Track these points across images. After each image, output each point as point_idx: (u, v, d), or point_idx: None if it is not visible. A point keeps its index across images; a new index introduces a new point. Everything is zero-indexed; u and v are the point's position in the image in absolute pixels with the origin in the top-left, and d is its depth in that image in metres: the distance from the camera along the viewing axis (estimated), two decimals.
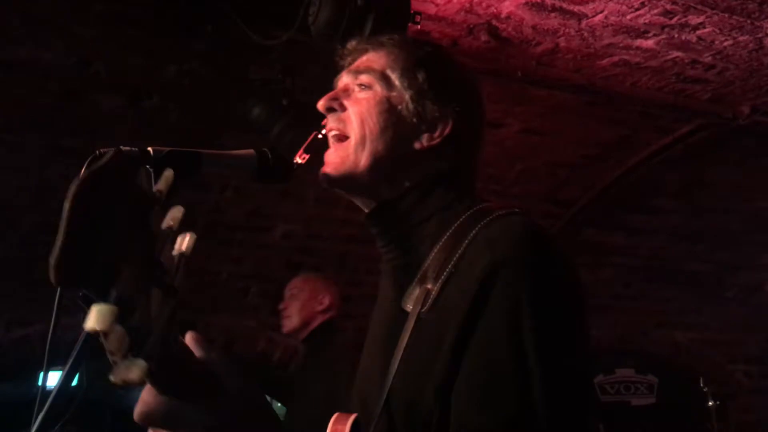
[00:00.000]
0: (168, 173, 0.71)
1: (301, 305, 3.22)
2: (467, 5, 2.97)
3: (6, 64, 3.07)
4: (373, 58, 1.15)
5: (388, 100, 1.10)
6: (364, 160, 1.09)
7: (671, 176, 4.83)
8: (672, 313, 5.70)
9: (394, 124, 1.09)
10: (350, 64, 1.18)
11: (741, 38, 3.23)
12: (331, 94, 1.15)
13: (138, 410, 0.75)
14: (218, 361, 0.80)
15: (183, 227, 0.67)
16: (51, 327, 1.02)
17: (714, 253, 5.49)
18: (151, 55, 3.18)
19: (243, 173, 1.20)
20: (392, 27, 2.44)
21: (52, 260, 0.61)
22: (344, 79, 1.17)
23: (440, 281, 0.97)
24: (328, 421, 0.98)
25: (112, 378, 0.62)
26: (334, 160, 1.11)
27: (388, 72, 1.12)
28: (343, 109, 1.13)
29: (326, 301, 3.22)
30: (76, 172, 0.72)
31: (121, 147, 1.09)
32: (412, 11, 2.59)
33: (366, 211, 1.14)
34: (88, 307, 0.60)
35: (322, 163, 1.15)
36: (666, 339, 5.72)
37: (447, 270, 0.97)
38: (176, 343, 0.71)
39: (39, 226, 3.58)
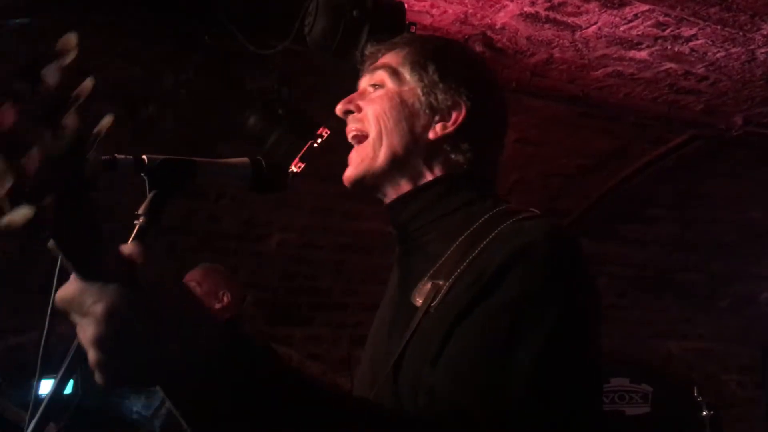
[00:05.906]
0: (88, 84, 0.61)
1: None
2: (462, 16, 2.99)
3: None
4: (387, 57, 1.20)
5: (400, 94, 1.14)
6: (382, 154, 1.13)
7: (665, 187, 4.85)
8: (666, 323, 5.71)
9: (407, 117, 1.13)
10: (368, 67, 1.22)
11: (733, 50, 3.26)
12: (347, 98, 1.20)
13: (57, 295, 0.69)
14: (151, 257, 0.70)
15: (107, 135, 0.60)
16: (43, 335, 1.02)
17: (707, 263, 5.51)
18: (148, 65, 3.19)
19: (238, 182, 1.21)
20: (387, 38, 2.45)
21: None
22: (362, 83, 1.22)
23: (452, 278, 0.99)
24: None
25: None
26: (356, 159, 1.16)
27: (399, 68, 1.16)
28: (359, 110, 1.17)
29: (226, 299, 2.89)
30: None
31: (116, 155, 1.11)
32: (407, 22, 2.61)
33: (387, 202, 1.16)
34: None
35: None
36: (660, 349, 5.73)
37: (460, 268, 0.99)
38: (87, 206, 0.62)
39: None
